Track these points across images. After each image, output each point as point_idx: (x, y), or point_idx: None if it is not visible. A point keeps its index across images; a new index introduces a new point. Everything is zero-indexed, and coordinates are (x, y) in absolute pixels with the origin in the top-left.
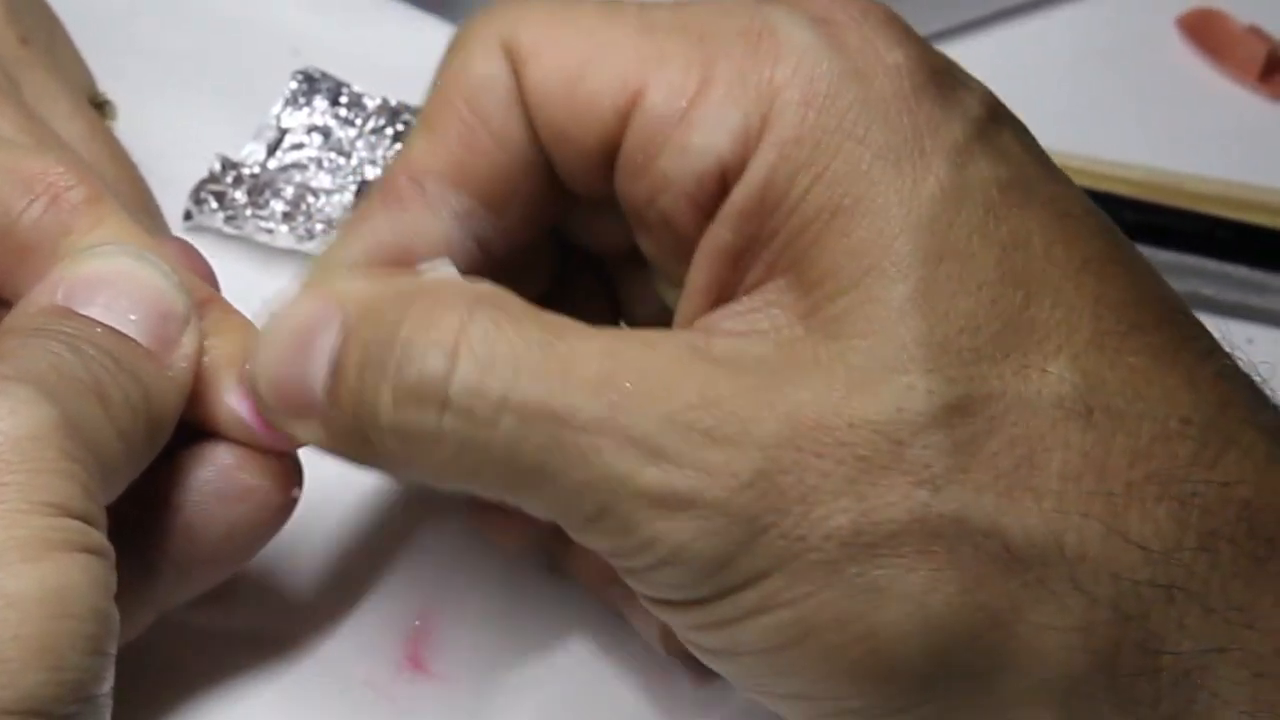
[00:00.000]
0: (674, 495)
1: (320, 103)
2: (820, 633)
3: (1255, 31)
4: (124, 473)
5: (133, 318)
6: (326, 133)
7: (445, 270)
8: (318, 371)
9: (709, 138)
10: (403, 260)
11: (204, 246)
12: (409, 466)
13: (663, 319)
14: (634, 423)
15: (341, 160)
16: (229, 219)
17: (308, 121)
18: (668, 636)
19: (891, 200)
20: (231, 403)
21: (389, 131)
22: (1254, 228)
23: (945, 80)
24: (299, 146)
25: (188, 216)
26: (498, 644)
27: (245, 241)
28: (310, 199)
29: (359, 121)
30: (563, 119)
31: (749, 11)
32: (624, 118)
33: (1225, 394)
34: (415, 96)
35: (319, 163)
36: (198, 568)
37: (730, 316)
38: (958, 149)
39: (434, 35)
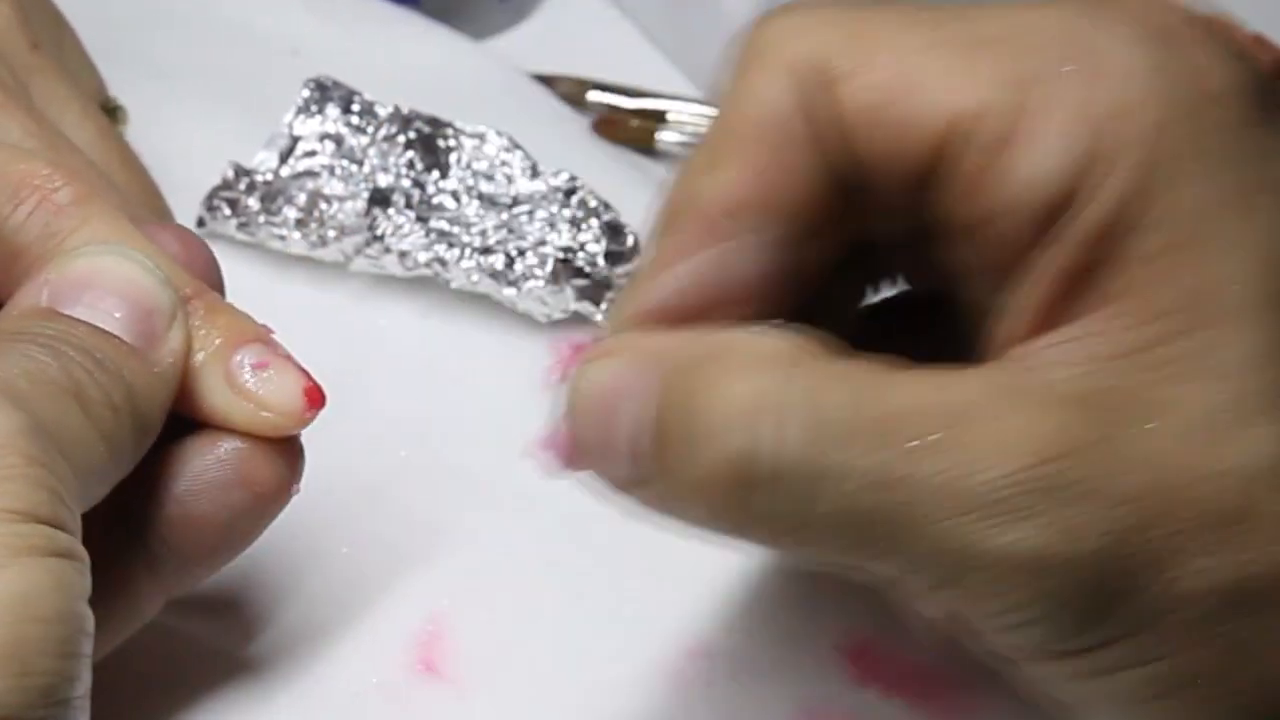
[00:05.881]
0: (1028, 560)
1: (332, 110)
2: (1198, 685)
3: None
4: (110, 471)
5: (117, 315)
6: (339, 140)
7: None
8: (626, 437)
9: (1046, 166)
10: (716, 300)
11: (217, 253)
12: (734, 537)
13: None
14: (974, 488)
15: (354, 168)
16: (242, 226)
17: (320, 129)
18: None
19: (1230, 241)
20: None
21: (401, 139)
22: None
23: (1270, 100)
24: (311, 154)
25: (200, 223)
26: (513, 647)
27: (258, 248)
28: (323, 206)
29: (371, 129)
30: (877, 142)
31: (1071, 25)
32: (942, 143)
33: None
34: (426, 105)
35: (331, 170)
36: (199, 556)
37: (1046, 347)
38: None
39: (444, 45)
